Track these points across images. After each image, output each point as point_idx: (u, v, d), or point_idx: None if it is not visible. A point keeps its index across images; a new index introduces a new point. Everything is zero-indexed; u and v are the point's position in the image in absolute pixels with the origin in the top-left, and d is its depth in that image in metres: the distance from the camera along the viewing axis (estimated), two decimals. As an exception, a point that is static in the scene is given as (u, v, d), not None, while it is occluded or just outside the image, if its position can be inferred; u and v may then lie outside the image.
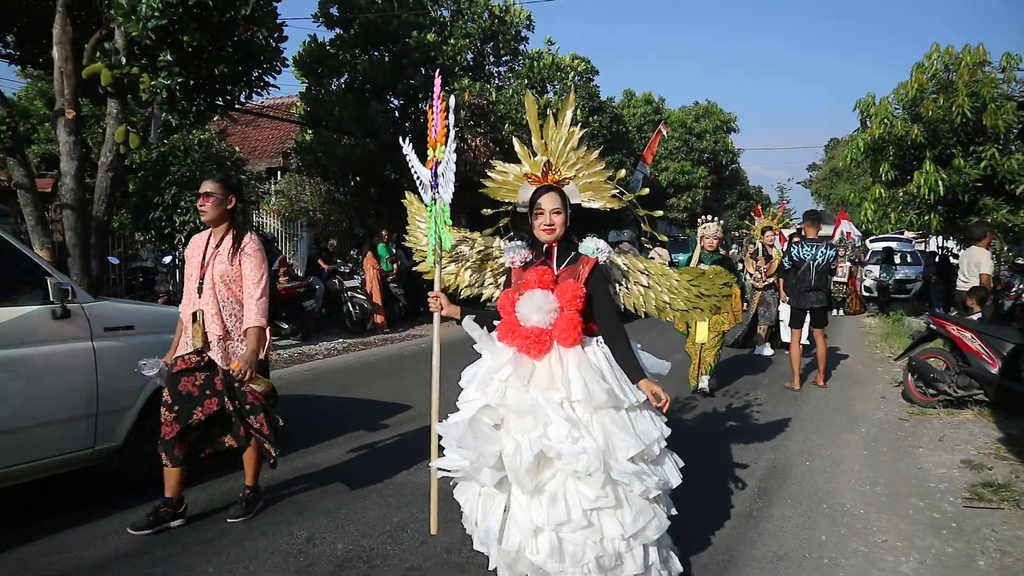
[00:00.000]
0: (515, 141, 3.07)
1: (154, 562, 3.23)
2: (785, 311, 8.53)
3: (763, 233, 9.81)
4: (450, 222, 2.96)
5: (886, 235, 19.77)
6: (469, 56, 14.71)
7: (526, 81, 15.17)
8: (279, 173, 17.30)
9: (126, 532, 3.47)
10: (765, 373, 8.23)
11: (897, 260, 17.92)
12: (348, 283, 11.74)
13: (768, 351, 9.57)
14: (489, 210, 3.16)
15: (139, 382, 3.85)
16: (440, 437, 2.77)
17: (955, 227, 13.13)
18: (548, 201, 2.75)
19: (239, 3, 7.65)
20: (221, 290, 3.51)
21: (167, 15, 7.11)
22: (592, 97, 18.58)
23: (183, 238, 10.08)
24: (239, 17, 7.79)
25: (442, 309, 2.97)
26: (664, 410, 2.66)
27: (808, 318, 7.35)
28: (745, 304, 10.35)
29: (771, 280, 9.41)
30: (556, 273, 2.75)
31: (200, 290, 3.51)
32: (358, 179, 14.39)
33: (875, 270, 16.96)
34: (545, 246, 2.81)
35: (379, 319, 11.76)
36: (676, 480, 2.70)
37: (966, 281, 8.23)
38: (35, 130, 14.65)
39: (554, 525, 2.45)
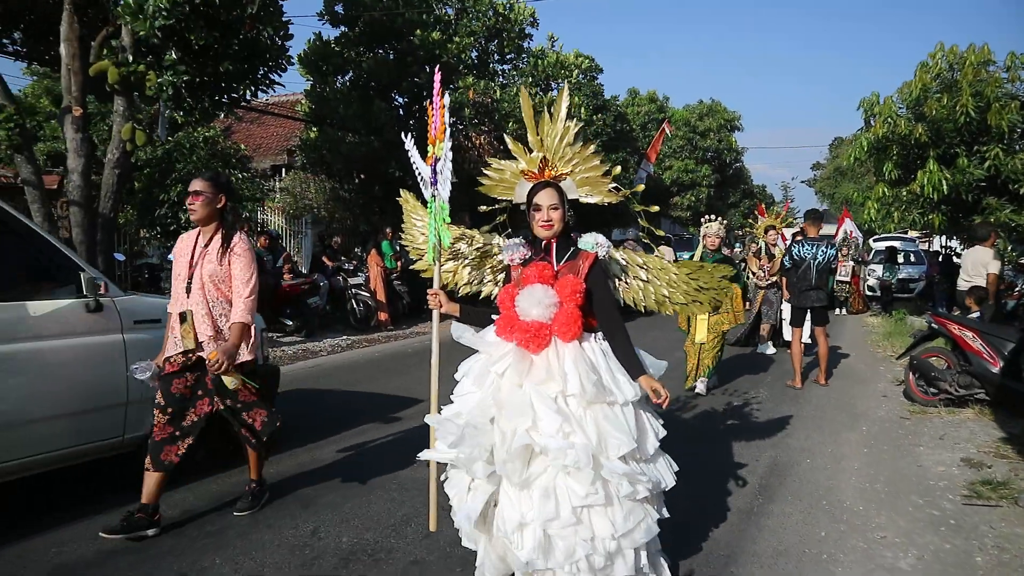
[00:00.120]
0: (507, 139, 3.05)
1: (160, 554, 3.28)
2: (788, 310, 8.55)
3: (766, 232, 9.83)
4: (448, 220, 2.95)
5: (890, 234, 19.75)
6: (473, 54, 14.73)
7: (530, 79, 15.19)
8: (284, 170, 17.36)
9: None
10: (767, 372, 8.26)
11: (901, 259, 17.92)
12: (352, 280, 11.79)
13: (770, 350, 9.59)
14: (485, 207, 3.14)
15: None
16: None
17: (958, 227, 13.11)
18: (545, 197, 2.75)
19: (245, 2, 7.70)
20: (210, 290, 3.49)
21: (174, 14, 7.16)
22: (596, 95, 18.57)
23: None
24: (245, 16, 7.85)
25: (441, 307, 2.96)
26: (664, 406, 2.65)
27: (809, 317, 7.38)
28: (748, 303, 10.38)
29: (774, 279, 9.43)
30: (556, 269, 2.75)
31: (188, 290, 3.48)
32: (362, 177, 14.44)
33: (878, 269, 16.96)
34: (544, 242, 2.81)
35: (383, 316, 11.81)
36: (670, 481, 2.68)
37: (968, 280, 8.24)
38: (41, 127, 14.72)
39: (543, 521, 2.43)
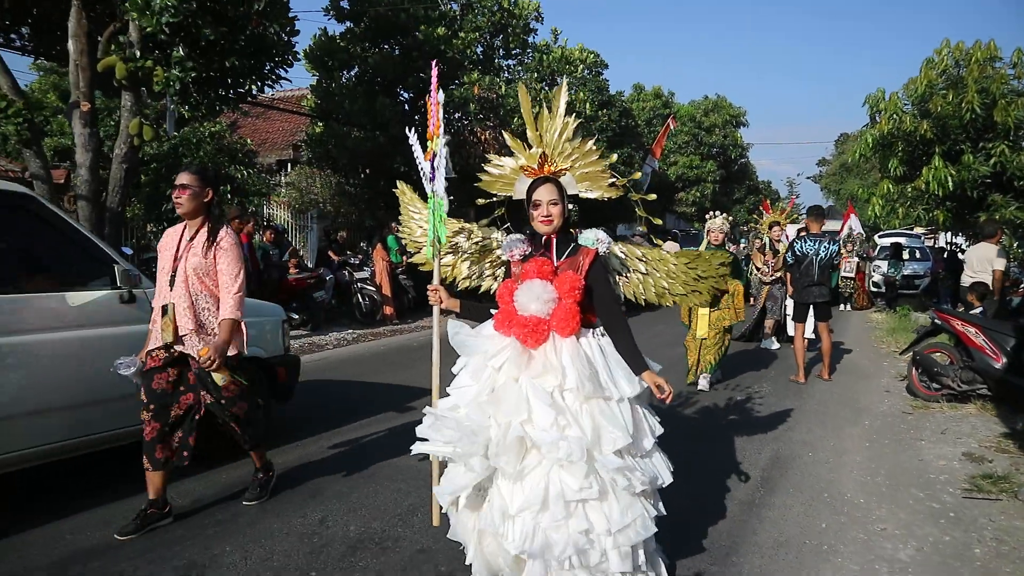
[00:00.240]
0: (506, 135, 3.04)
1: (171, 542, 3.34)
2: (791, 306, 8.58)
3: (771, 228, 9.86)
4: (445, 216, 2.96)
5: (895, 230, 19.71)
6: (478, 49, 14.76)
7: (535, 74, 15.21)
8: (289, 165, 17.42)
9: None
10: (771, 367, 8.29)
11: (906, 256, 17.90)
12: (358, 274, 11.86)
13: (774, 345, 9.62)
14: (483, 200, 3.13)
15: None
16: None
17: (963, 223, 13.10)
18: (545, 192, 2.74)
19: (252, -2, 7.75)
20: (194, 283, 3.45)
21: (181, 10, 7.21)
22: (601, 91, 18.58)
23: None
24: (252, 12, 7.89)
25: (442, 303, 2.97)
26: (667, 402, 2.66)
27: (812, 312, 7.42)
28: (752, 299, 10.42)
29: (778, 275, 9.46)
30: (556, 265, 2.74)
31: (172, 283, 3.45)
32: (368, 171, 14.49)
33: (883, 265, 16.95)
34: (544, 238, 2.80)
35: (388, 310, 11.87)
36: (666, 478, 2.67)
37: (972, 276, 8.26)
38: (48, 122, 14.80)
39: (532, 512, 2.42)
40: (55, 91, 16.16)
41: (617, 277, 3.07)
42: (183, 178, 3.50)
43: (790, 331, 9.30)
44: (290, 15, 8.63)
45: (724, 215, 6.93)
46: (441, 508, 2.84)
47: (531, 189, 2.79)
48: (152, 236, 13.12)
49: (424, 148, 3.04)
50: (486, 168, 3.02)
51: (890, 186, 12.78)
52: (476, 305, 3.03)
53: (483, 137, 15.82)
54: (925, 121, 11.74)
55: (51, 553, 3.22)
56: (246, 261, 9.46)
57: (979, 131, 11.60)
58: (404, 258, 12.42)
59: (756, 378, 7.57)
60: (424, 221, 3.41)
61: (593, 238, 2.83)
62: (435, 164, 2.93)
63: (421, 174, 3.09)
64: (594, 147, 2.86)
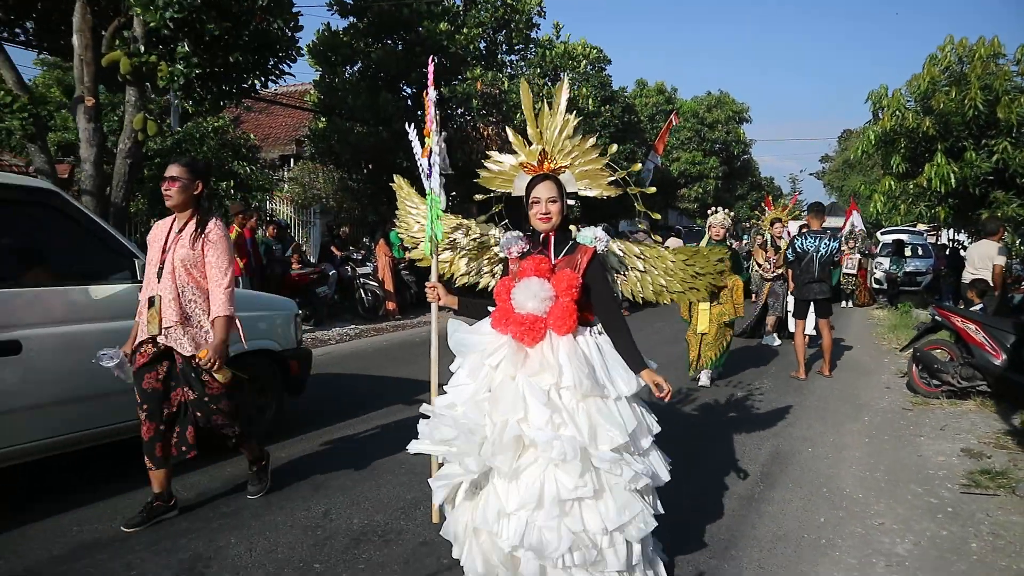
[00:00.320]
0: (508, 131, 3.03)
1: (177, 534, 3.39)
2: (792, 302, 8.60)
3: (772, 224, 9.87)
4: (442, 212, 2.96)
5: (898, 227, 19.71)
6: (482, 45, 14.76)
7: (538, 70, 15.20)
8: (292, 160, 17.47)
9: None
10: (771, 363, 8.32)
11: (908, 252, 17.90)
12: (360, 270, 11.90)
13: (776, 342, 9.64)
14: (481, 196, 3.12)
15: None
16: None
17: (965, 220, 13.08)
18: (544, 190, 2.72)
19: (256, -7, 7.77)
20: (181, 274, 3.41)
21: (185, 6, 7.23)
22: (604, 86, 18.58)
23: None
24: (256, 7, 7.91)
25: (440, 299, 2.98)
26: (666, 400, 2.67)
27: (812, 309, 7.44)
28: (754, 295, 10.44)
29: (780, 271, 9.48)
30: (554, 262, 2.74)
31: (160, 275, 3.43)
32: (371, 167, 14.51)
33: (885, 262, 16.95)
34: (542, 236, 2.79)
35: (391, 306, 11.91)
36: (664, 476, 2.67)
37: (974, 274, 8.26)
38: (52, 117, 14.81)
39: (520, 505, 2.42)
40: (59, 86, 16.16)
41: (615, 275, 3.08)
42: (172, 170, 3.48)
43: (791, 328, 9.34)
44: (293, 10, 8.66)
45: (726, 211, 6.94)
46: (440, 506, 2.85)
47: (530, 186, 2.78)
48: (156, 231, 13.17)
49: (423, 144, 3.04)
50: (485, 164, 3.02)
51: (892, 183, 12.77)
52: (474, 302, 3.03)
53: (486, 133, 15.83)
54: (928, 118, 11.73)
55: (59, 546, 3.26)
56: (249, 256, 9.47)
57: (982, 128, 11.58)
58: (406, 253, 12.45)
59: (757, 374, 7.61)
60: (421, 217, 3.43)
61: (591, 236, 2.81)
62: (431, 161, 2.94)
63: (420, 171, 3.10)
64: (594, 145, 2.85)
